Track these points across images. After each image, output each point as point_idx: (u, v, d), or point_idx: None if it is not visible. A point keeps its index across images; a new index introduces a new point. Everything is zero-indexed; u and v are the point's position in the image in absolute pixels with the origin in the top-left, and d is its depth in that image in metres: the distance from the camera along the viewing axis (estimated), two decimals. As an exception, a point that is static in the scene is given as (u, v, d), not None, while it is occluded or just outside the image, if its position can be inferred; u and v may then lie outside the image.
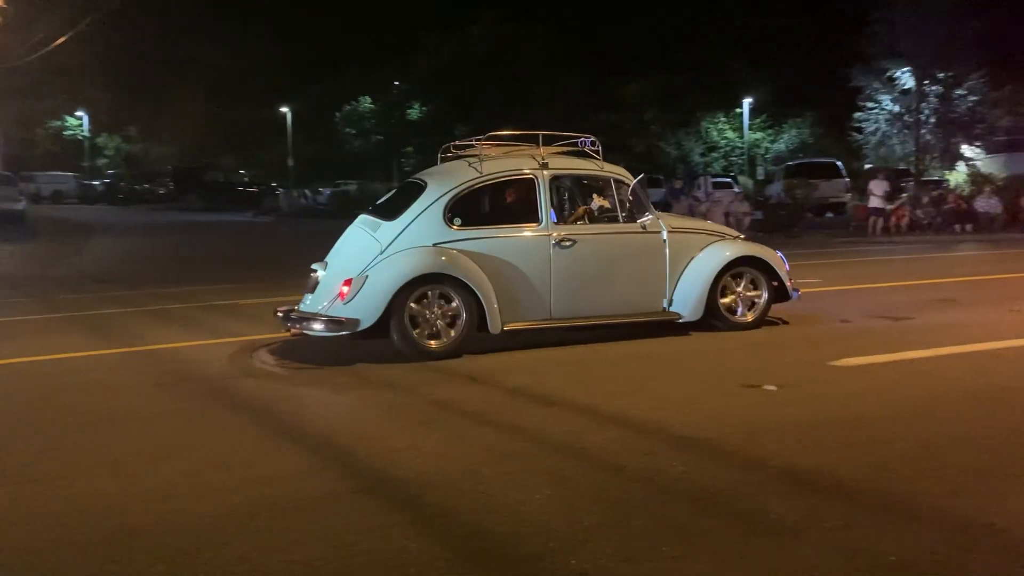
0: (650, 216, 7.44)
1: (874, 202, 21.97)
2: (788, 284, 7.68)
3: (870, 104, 30.57)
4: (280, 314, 7.14)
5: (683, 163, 41.93)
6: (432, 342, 6.68)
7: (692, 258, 7.46)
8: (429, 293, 6.66)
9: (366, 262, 6.76)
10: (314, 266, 7.19)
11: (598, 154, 7.55)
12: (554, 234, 7.03)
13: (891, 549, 2.97)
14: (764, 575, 2.84)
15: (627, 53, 44.58)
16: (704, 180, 31.55)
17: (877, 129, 30.57)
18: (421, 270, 6.65)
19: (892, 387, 5.40)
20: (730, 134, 43.01)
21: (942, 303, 8.87)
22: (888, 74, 29.69)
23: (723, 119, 42.85)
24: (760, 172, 40.89)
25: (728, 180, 33.96)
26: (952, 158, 30.46)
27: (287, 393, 5.77)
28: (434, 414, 5.12)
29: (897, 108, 30.07)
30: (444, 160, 7.78)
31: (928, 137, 29.81)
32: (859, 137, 31.46)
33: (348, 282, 6.65)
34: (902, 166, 29.83)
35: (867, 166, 31.27)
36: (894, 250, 17.83)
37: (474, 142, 7.53)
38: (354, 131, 47.32)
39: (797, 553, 2.98)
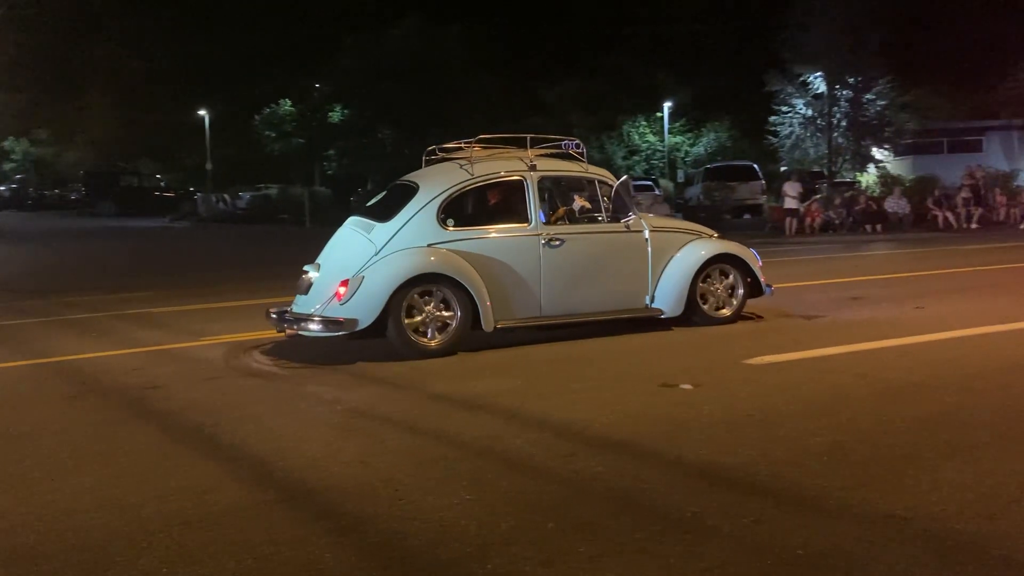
0: (633, 216, 7.69)
1: (789, 203, 22.59)
2: (762, 280, 7.96)
3: (784, 108, 31.47)
4: (274, 315, 7.16)
5: (606, 166, 42.37)
6: (429, 340, 6.81)
7: (672, 256, 7.71)
8: (425, 293, 6.79)
9: (361, 263, 6.86)
10: (306, 267, 7.27)
11: (582, 156, 7.82)
12: (543, 234, 7.23)
13: (800, 543, 3.05)
14: (676, 573, 2.89)
15: (550, 57, 44.92)
16: (625, 183, 31.92)
17: (791, 132, 31.48)
18: (417, 270, 6.79)
19: (804, 384, 5.55)
20: (651, 137, 43.64)
21: (852, 301, 9.16)
22: (801, 79, 30.60)
23: (644, 123, 43.48)
24: (680, 175, 41.59)
25: (649, 183, 34.47)
26: (863, 160, 31.56)
27: (200, 403, 5.62)
28: (354, 421, 5.07)
29: (810, 112, 31.01)
30: (429, 163, 7.91)
31: (840, 140, 30.82)
32: (774, 140, 32.33)
33: (345, 283, 6.72)
34: (815, 168, 30.75)
35: (782, 168, 32.13)
36: (808, 250, 18.34)
37: (463, 144, 7.68)
38: (274, 134, 46.53)
39: (710, 550, 3.04)
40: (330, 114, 43.73)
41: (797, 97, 31.07)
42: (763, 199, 30.03)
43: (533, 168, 7.38)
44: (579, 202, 7.78)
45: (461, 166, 7.37)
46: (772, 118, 31.95)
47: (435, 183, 7.26)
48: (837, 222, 22.90)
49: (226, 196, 43.74)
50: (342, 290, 6.70)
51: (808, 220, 22.60)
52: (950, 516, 3.24)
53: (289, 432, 4.80)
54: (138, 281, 14.55)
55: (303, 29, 46.51)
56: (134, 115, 49.10)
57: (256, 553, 3.13)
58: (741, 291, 7.92)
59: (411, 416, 5.06)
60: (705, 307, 7.79)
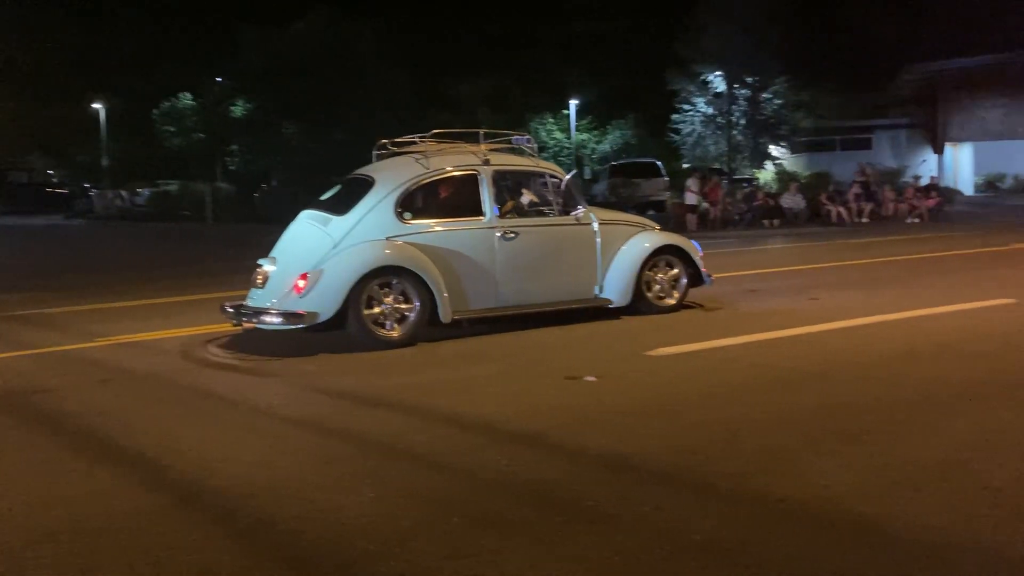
0: (582, 209, 7.89)
1: (690, 199, 23.10)
2: (703, 270, 8.28)
3: (686, 107, 32.23)
4: (230, 309, 7.16)
5: (514, 163, 42.55)
6: (389, 332, 6.89)
7: (619, 248, 7.93)
8: (384, 285, 6.86)
9: (319, 256, 6.89)
10: (261, 261, 7.27)
11: (533, 151, 8.02)
12: (499, 227, 7.36)
13: (697, 528, 3.13)
14: (578, 562, 2.93)
15: (457, 54, 44.82)
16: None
17: (693, 130, 32.27)
18: (377, 263, 6.86)
19: (703, 374, 5.70)
20: (558, 135, 44.05)
21: (750, 293, 9.43)
22: (702, 78, 31.38)
23: (551, 120, 43.86)
24: (587, 172, 42.12)
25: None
26: (761, 157, 32.58)
27: (94, 406, 5.40)
28: (257, 421, 4.96)
29: (711, 110, 31.83)
30: (380, 157, 7.95)
31: (739, 138, 31.74)
32: (677, 138, 33.07)
33: (304, 276, 6.75)
34: (716, 165, 31.58)
35: (684, 165, 32.88)
36: (708, 245, 18.79)
37: (416, 139, 7.78)
38: (173, 129, 45.06)
39: (610, 538, 3.09)
40: (232, 108, 42.58)
41: (698, 96, 31.86)
42: (666, 195, 30.68)
43: (487, 163, 7.51)
44: (527, 195, 7.89)
45: (417, 160, 7.45)
46: (674, 116, 32.69)
47: (391, 177, 7.33)
48: (736, 217, 23.54)
49: (123, 193, 42.19)
50: (301, 283, 6.73)
51: (712, 214, 23.17)
52: (840, 499, 3.37)
53: (188, 434, 4.66)
54: (28, 281, 13.89)
55: (204, 20, 45.20)
56: (23, 109, 46.77)
57: (151, 559, 3.04)
58: (684, 281, 8.21)
59: (317, 414, 4.99)
60: (650, 296, 8.03)
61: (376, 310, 6.84)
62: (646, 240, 8.07)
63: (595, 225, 7.85)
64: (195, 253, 19.81)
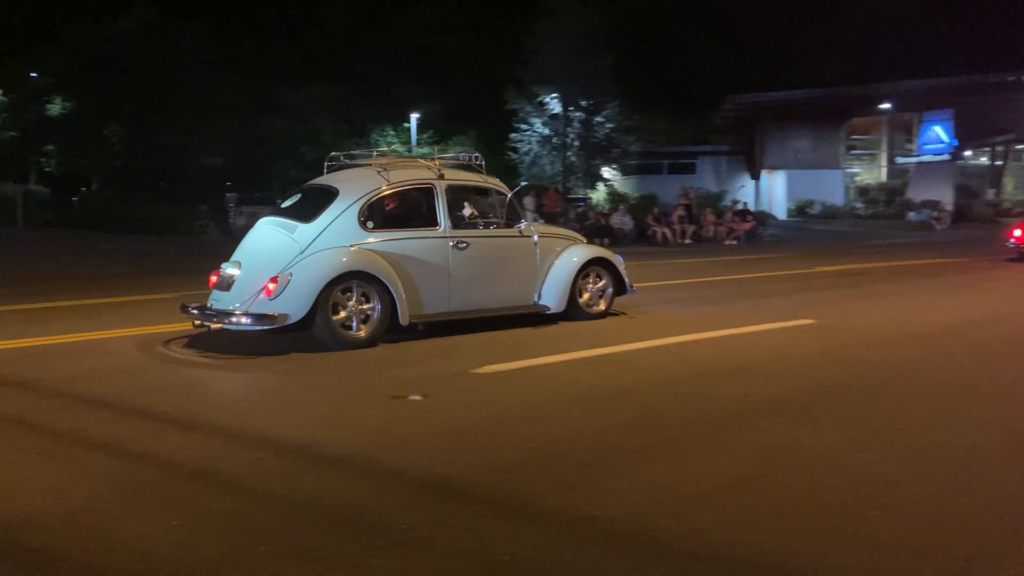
0: (524, 222, 8.62)
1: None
2: (627, 281, 9.12)
3: (524, 126, 32.91)
4: (194, 310, 7.48)
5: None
6: (357, 332, 7.33)
7: (555, 259, 8.64)
8: (347, 289, 7.26)
9: (286, 261, 7.26)
10: (224, 265, 7.58)
11: (482, 168, 8.62)
12: (452, 237, 7.90)
13: (507, 549, 3.19)
14: (387, 587, 2.91)
15: (295, 61, 43.80)
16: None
17: (530, 150, 32.99)
18: (344, 268, 7.27)
19: (524, 391, 5.82)
20: (399, 147, 43.91)
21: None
22: (539, 99, 32.16)
23: (392, 132, 43.65)
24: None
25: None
26: (594, 178, 33.69)
27: None
28: (53, 446, 4.63)
29: (547, 131, 32.66)
30: (331, 168, 8.47)
31: (573, 158, 32.70)
32: (515, 156, 33.68)
33: (275, 279, 7.09)
34: (551, 184, 32.38)
35: (522, 183, 33.53)
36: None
37: (374, 154, 8.74)
38: (-21, 126, 41.63)
39: (421, 562, 3.09)
40: (49, 106, 39.84)
41: (535, 116, 32.61)
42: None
43: (441, 176, 8.05)
44: (468, 209, 8.56)
45: (378, 172, 7.90)
46: (512, 135, 33.29)
47: (355, 188, 7.75)
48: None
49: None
50: (271, 286, 7.07)
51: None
52: (646, 515, 3.52)
53: (-27, 461, 4.31)
54: None
55: (19, 12, 42.05)
56: None
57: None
58: (611, 290, 9.03)
59: (119, 437, 4.73)
60: (582, 303, 8.77)
61: (341, 314, 7.25)
62: (578, 253, 8.81)
63: (535, 237, 8.56)
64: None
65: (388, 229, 7.70)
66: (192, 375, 6.59)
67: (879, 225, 34.96)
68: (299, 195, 8.40)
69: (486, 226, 8.36)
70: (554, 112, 32.06)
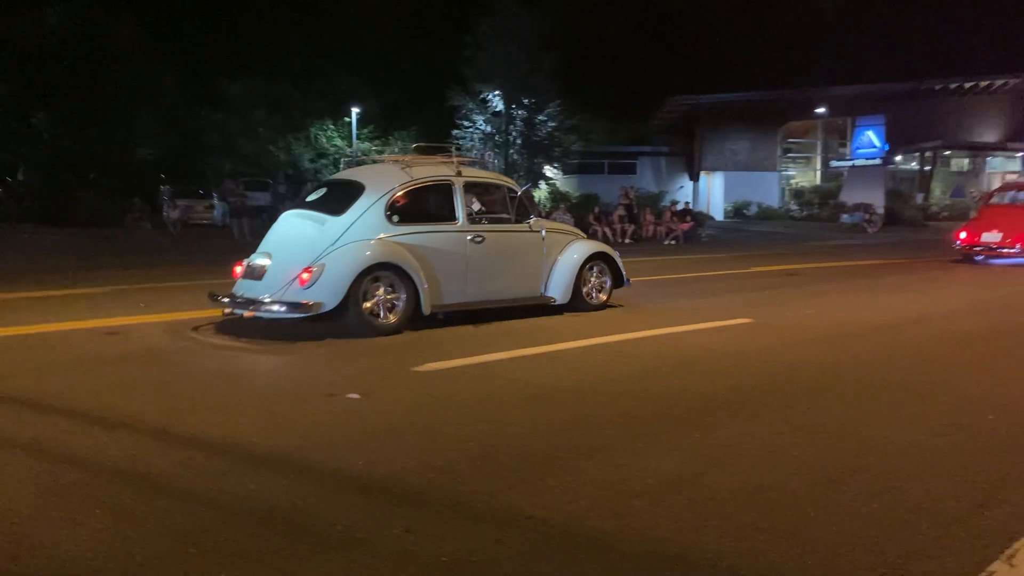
0: (534, 218, 9.09)
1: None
2: (624, 274, 9.73)
3: (466, 123, 32.81)
4: (224, 299, 7.81)
5: (293, 168, 41.42)
6: (386, 319, 7.70)
7: (561, 253, 9.18)
8: (375, 279, 7.62)
9: (318, 252, 7.58)
10: (255, 256, 7.98)
11: (495, 166, 8.92)
12: (469, 231, 8.34)
13: (445, 551, 3.12)
14: (321, 591, 2.82)
15: (232, 53, 42.91)
16: (311, 186, 31.47)
17: (472, 147, 32.88)
18: (374, 259, 7.64)
19: (465, 390, 5.75)
20: (339, 142, 43.39)
21: (512, 309, 9.64)
22: (481, 96, 32.09)
23: (332, 127, 43.11)
24: (368, 181, 41.68)
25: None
26: (536, 177, 33.73)
27: None
28: (-30, 446, 4.42)
29: (489, 128, 32.61)
30: (348, 165, 9.07)
31: (516, 157, 32.71)
32: (457, 154, 33.54)
33: (309, 269, 7.42)
34: (495, 182, 32.37)
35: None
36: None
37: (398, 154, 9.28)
38: None
39: (359, 564, 3.01)
40: (-32, 93, 38.40)
41: (478, 114, 32.53)
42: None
43: (459, 174, 8.49)
44: (475, 204, 8.81)
45: (402, 168, 8.37)
46: (455, 131, 33.17)
47: (381, 183, 8.13)
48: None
49: None
50: (306, 276, 7.39)
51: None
52: (584, 514, 3.48)
53: None
54: None
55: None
56: None
57: None
58: (610, 283, 9.61)
59: (43, 437, 4.53)
60: (584, 295, 9.29)
61: (370, 302, 7.60)
62: (581, 248, 9.39)
63: (543, 233, 9.06)
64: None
65: (411, 223, 8.03)
66: (109, 373, 6.35)
67: (813, 227, 35.74)
68: (324, 189, 8.77)
69: (499, 222, 8.78)
70: (496, 110, 32.03)
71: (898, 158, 42.42)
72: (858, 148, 41.60)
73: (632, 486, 3.83)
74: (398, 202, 8.06)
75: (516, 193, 8.96)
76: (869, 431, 4.73)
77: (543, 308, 9.08)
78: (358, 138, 42.75)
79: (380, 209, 7.89)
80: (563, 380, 6.05)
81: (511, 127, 32.01)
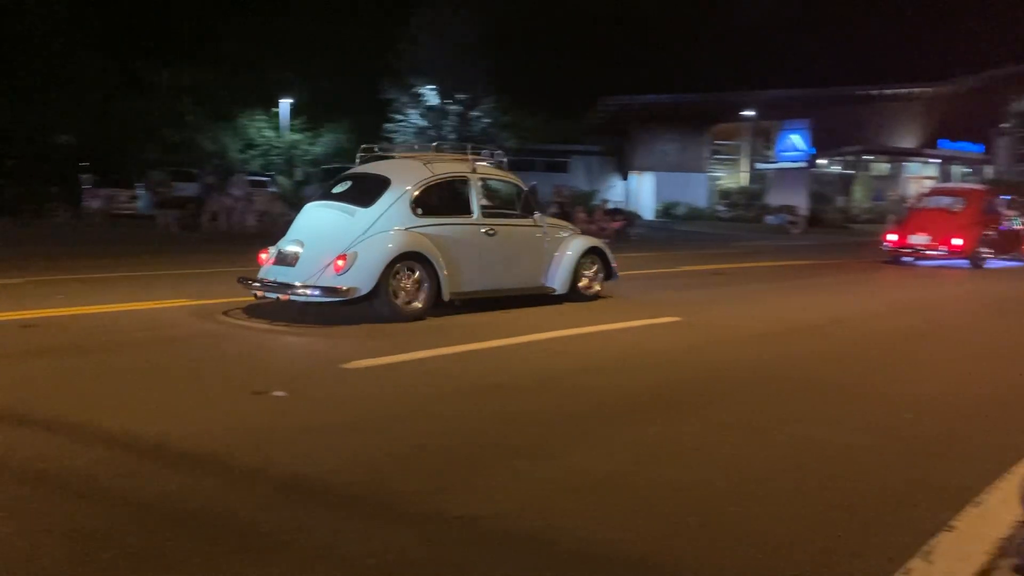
0: (538, 213, 9.75)
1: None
2: (614, 268, 10.43)
3: (399, 116, 32.54)
4: (256, 284, 8.22)
5: (220, 158, 40.49)
6: (414, 304, 8.25)
7: (560, 246, 9.85)
8: (405, 267, 8.15)
9: (350, 240, 8.08)
10: (284, 243, 8.48)
11: (504, 165, 9.78)
12: (483, 224, 8.95)
13: (373, 551, 3.05)
14: (241, 596, 2.74)
15: (159, 39, 41.76)
16: (239, 177, 30.80)
17: (406, 140, 32.63)
18: (403, 248, 8.16)
19: (395, 387, 5.66)
20: (269, 133, 42.59)
21: (448, 305, 9.59)
22: (414, 90, 31.86)
23: (262, 118, 42.28)
24: (299, 173, 41.06)
25: (266, 179, 33.57)
26: (469, 173, 33.62)
27: None
28: None
29: (423, 123, 32.41)
30: (363, 160, 9.55)
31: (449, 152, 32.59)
32: (390, 147, 33.26)
33: (343, 256, 7.87)
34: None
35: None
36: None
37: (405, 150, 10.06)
38: None
39: (281, 567, 2.93)
40: None
41: (411, 107, 32.29)
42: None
43: (474, 171, 9.11)
44: (486, 199, 9.32)
45: (424, 164, 8.91)
46: (387, 125, 32.86)
47: (407, 177, 8.67)
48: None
49: None
50: (340, 263, 7.84)
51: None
52: (515, 514, 3.45)
53: None
54: None
55: None
56: None
57: None
58: (603, 275, 10.32)
59: (-53, 436, 4.31)
60: (580, 286, 9.99)
61: (400, 289, 8.12)
62: (578, 242, 10.04)
63: (546, 228, 9.74)
64: None
65: (433, 215, 8.58)
66: (30, 366, 6.10)
67: (739, 227, 36.48)
68: (348, 182, 9.10)
69: (507, 216, 9.42)
70: (430, 104, 31.84)
71: (822, 162, 43.58)
72: (783, 151, 42.62)
73: (563, 485, 3.82)
74: (422, 195, 8.56)
75: (522, 190, 9.66)
76: (793, 429, 4.81)
77: (518, 299, 9.48)
78: (289, 130, 42.03)
79: (406, 202, 8.41)
80: (494, 377, 6.00)
81: (444, 122, 31.85)
